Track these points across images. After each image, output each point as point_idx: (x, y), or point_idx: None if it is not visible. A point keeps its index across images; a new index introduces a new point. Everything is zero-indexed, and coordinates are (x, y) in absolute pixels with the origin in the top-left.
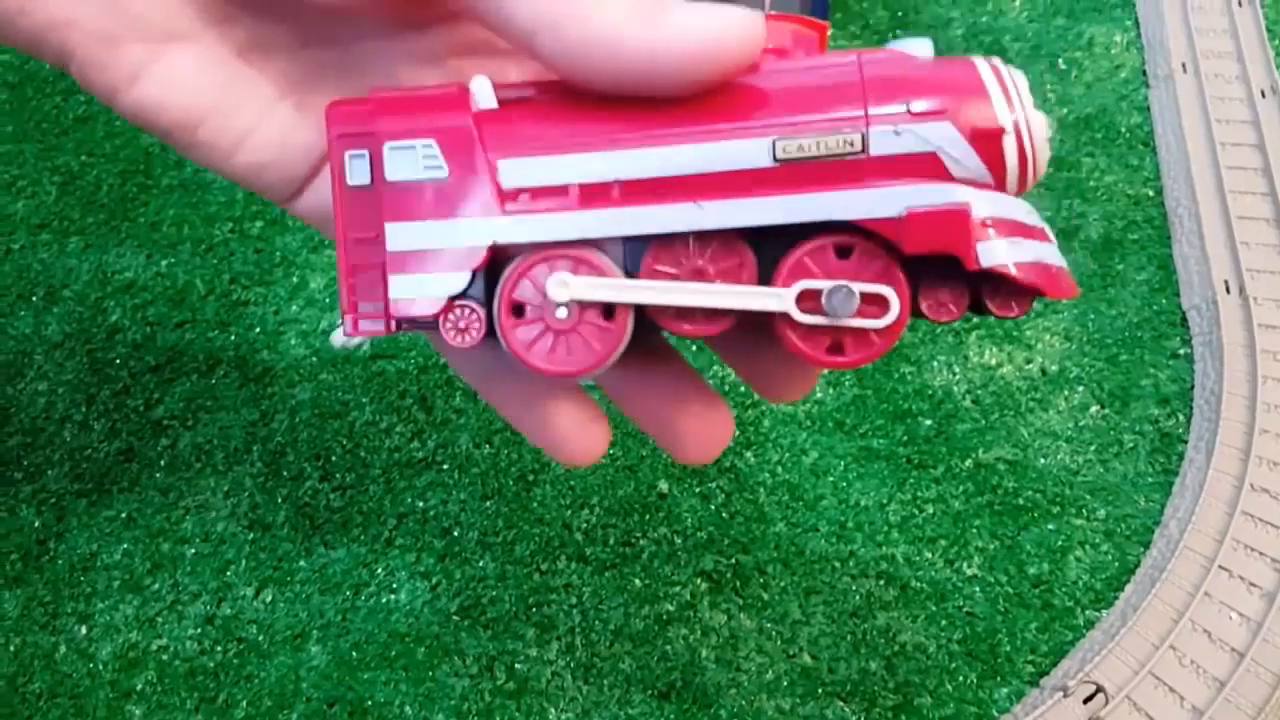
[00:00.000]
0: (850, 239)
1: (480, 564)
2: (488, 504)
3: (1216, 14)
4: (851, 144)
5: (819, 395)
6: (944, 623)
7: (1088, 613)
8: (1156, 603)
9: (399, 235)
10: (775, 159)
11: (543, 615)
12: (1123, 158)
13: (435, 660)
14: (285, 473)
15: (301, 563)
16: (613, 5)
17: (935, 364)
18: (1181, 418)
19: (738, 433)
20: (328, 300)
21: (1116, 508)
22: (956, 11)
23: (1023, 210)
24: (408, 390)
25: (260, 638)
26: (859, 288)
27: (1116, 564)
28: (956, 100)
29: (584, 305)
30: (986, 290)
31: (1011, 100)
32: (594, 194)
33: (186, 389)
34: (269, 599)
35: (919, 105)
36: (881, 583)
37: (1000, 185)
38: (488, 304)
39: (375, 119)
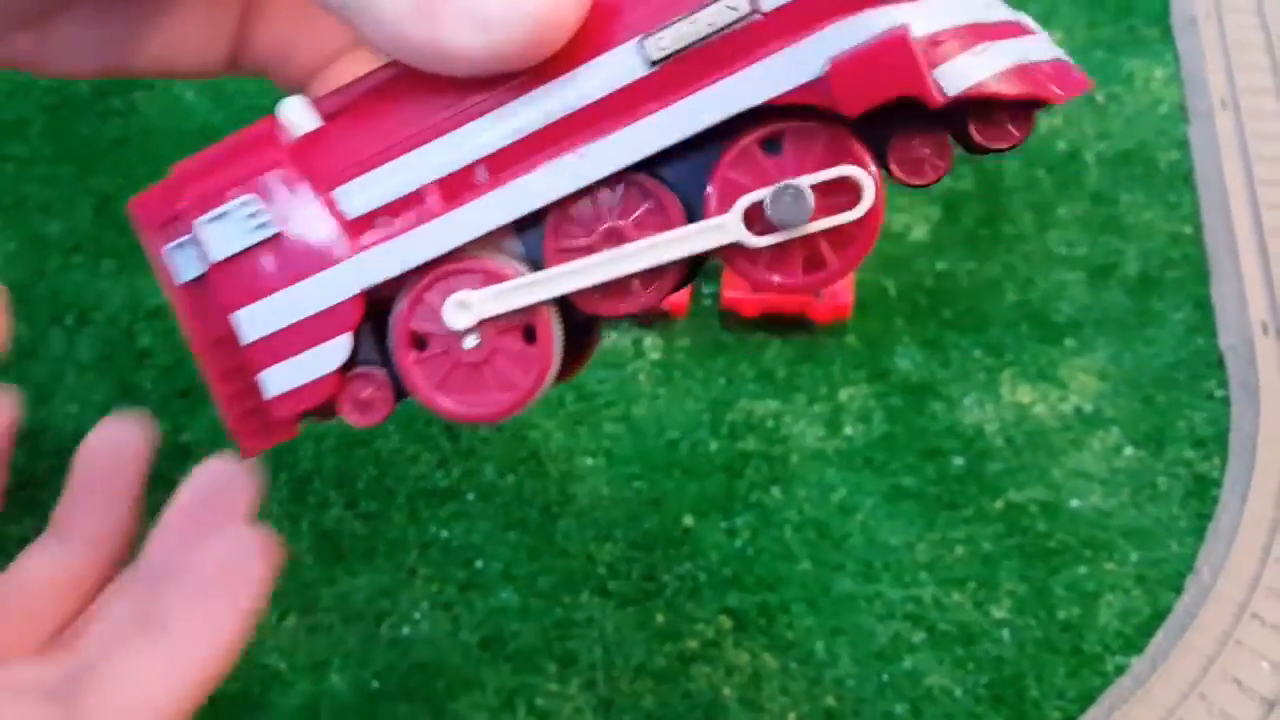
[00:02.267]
0: (777, 126)
1: (503, 596)
2: (510, 535)
3: (1257, 50)
4: (735, 7)
5: (848, 431)
6: (971, 666)
7: (1117, 659)
8: (1187, 650)
9: (252, 320)
10: (651, 63)
11: (565, 649)
12: (1161, 194)
13: (456, 692)
14: (310, 499)
15: (324, 590)
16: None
17: (967, 401)
18: (1217, 461)
19: (765, 468)
20: None
21: (1149, 552)
22: None
23: (979, 5)
24: (434, 418)
25: (282, 665)
26: (807, 180)
27: (1148, 609)
28: None
29: (498, 327)
30: (972, 122)
31: None
32: (457, 187)
33: (214, 415)
34: (291, 626)
35: None
36: (909, 624)
37: None
38: (387, 362)
39: (179, 194)
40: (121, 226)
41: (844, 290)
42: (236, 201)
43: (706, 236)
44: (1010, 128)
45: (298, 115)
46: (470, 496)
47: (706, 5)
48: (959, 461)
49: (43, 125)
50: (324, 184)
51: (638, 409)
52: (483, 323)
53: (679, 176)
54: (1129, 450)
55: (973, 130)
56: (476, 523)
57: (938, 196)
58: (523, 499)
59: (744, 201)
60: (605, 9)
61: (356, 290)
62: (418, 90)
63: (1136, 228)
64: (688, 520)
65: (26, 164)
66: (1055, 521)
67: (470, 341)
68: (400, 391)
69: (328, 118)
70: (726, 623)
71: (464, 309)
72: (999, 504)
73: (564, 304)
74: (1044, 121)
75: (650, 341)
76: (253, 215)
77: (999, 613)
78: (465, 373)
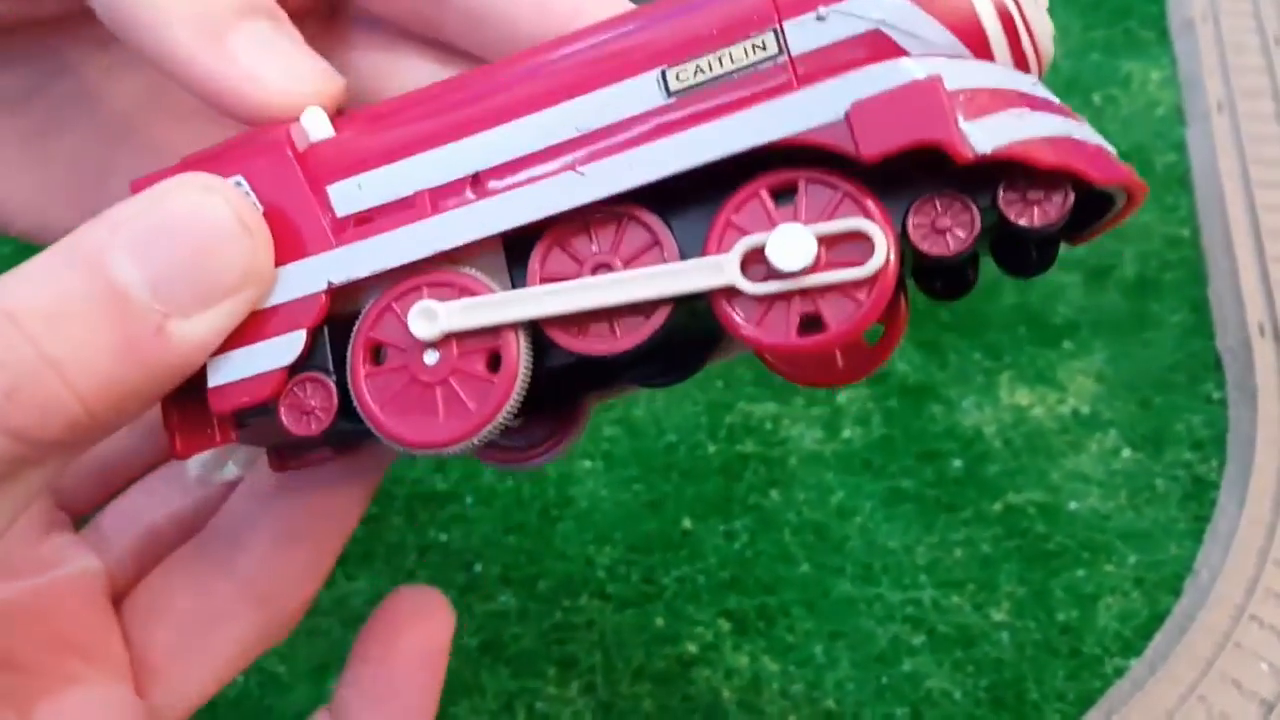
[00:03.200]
0: (791, 175)
1: (502, 599)
2: (509, 538)
3: (1254, 53)
4: (763, 47)
5: (846, 434)
6: (971, 669)
7: (1116, 661)
8: (1185, 652)
9: None
10: (669, 93)
11: (564, 653)
12: (1158, 196)
13: (455, 697)
14: None
15: (323, 594)
16: (178, 20)
17: (965, 404)
18: (1215, 463)
19: (763, 471)
20: None
21: (1147, 554)
22: None
23: (1026, 82)
24: None
25: (281, 669)
26: (813, 229)
27: (1146, 612)
28: None
29: (462, 348)
30: (1002, 190)
31: None
32: (449, 196)
33: None
34: None
35: None
36: (908, 627)
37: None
38: (341, 377)
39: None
40: None
41: None
42: (232, 179)
43: (698, 275)
44: (1043, 203)
45: (313, 123)
46: (469, 500)
47: (734, 43)
48: (957, 464)
49: None
50: (319, 181)
51: (636, 411)
52: (447, 342)
53: (683, 225)
54: (1127, 452)
55: (1001, 200)
56: (475, 526)
57: None
58: (521, 502)
59: (744, 243)
60: (631, 40)
61: (323, 285)
62: (430, 106)
63: (1133, 230)
64: (686, 523)
65: None
66: (1054, 524)
67: (430, 358)
68: (345, 408)
69: (341, 129)
70: (725, 625)
71: (429, 318)
72: (998, 506)
73: (541, 349)
74: None
75: None
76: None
77: (998, 615)
78: (417, 393)
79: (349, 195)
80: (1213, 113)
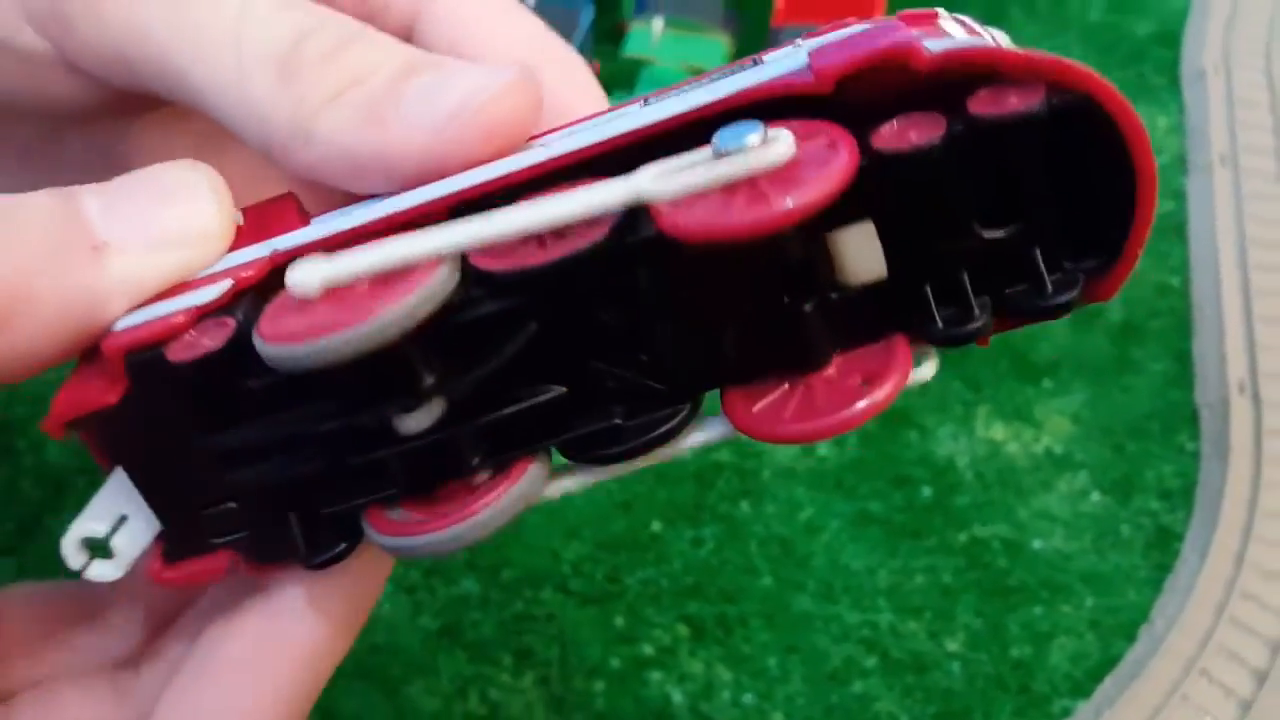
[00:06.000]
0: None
1: (464, 584)
2: None
3: (1262, 109)
4: (740, 67)
5: (821, 452)
6: (920, 695)
7: (1064, 701)
8: (1133, 699)
9: None
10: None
11: (521, 643)
12: (1153, 243)
13: (410, 677)
14: None
15: None
16: (335, 113)
17: (941, 433)
18: (1181, 514)
19: (736, 481)
20: None
21: (1106, 598)
22: None
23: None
24: None
25: None
26: (779, 133)
27: (1098, 655)
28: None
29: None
30: (973, 98)
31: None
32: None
33: None
34: None
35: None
36: (863, 648)
37: None
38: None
39: None
40: None
41: None
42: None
43: (618, 187)
44: (1018, 98)
45: None
46: None
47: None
48: (927, 492)
49: None
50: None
51: None
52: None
53: None
54: (1095, 496)
55: (971, 105)
56: None
57: None
58: None
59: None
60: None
61: (268, 253)
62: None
63: None
64: (655, 526)
65: None
66: (1016, 560)
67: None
68: (243, 349)
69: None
70: (684, 630)
71: (312, 263)
72: (963, 537)
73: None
74: None
75: None
76: None
77: (952, 645)
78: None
79: (330, 219)
80: (1215, 165)
